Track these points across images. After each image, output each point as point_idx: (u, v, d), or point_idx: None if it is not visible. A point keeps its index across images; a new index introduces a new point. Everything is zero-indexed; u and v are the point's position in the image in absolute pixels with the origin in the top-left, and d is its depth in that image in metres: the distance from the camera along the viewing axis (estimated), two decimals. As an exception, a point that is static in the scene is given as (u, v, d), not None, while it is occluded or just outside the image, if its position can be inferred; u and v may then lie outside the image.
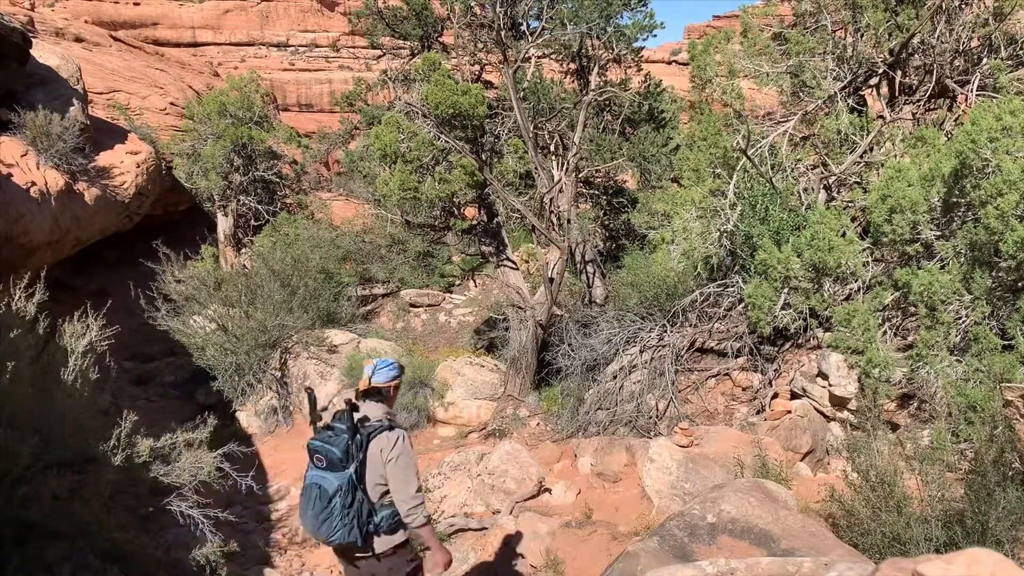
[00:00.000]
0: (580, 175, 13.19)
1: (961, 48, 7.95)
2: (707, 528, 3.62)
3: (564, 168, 11.45)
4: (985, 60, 7.74)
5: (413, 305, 15.91)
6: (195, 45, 50.83)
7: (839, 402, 6.64)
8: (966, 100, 7.99)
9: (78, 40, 21.86)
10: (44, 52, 12.52)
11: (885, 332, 6.49)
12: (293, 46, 55.27)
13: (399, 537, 3.22)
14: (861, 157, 7.94)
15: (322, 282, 12.67)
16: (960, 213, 6.09)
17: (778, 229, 7.53)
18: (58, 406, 4.14)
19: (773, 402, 7.24)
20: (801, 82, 8.69)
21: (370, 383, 3.32)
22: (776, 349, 7.72)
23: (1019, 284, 5.63)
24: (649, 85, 14.83)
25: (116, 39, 25.35)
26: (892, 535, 3.92)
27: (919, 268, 6.02)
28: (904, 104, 8.31)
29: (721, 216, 7.96)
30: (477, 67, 13.20)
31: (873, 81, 8.60)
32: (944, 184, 6.08)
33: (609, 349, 8.80)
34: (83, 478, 3.97)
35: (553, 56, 13.47)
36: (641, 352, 8.37)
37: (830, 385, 6.69)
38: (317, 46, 54.73)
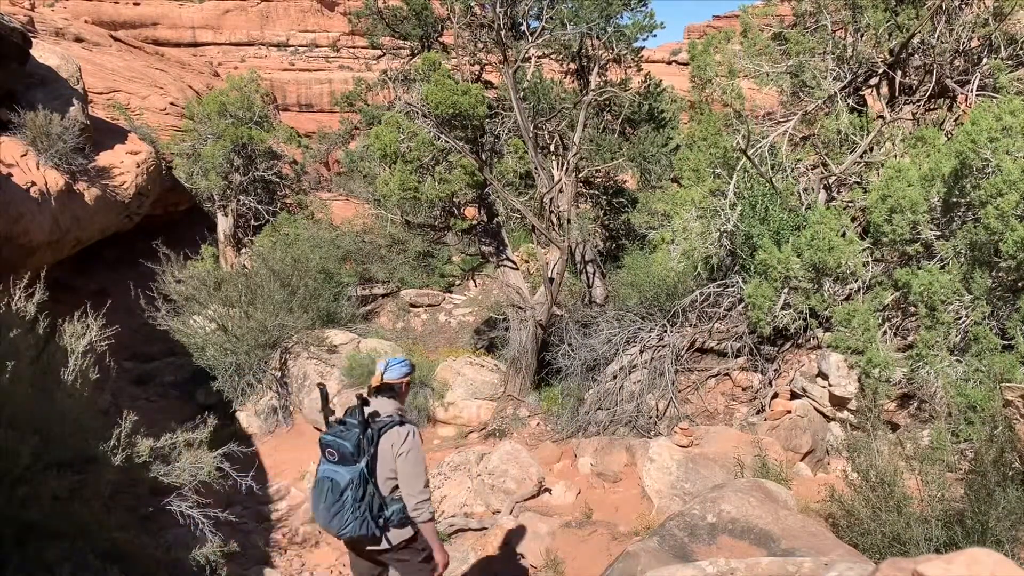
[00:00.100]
0: (580, 175, 13.19)
1: (961, 48, 7.95)
2: (707, 528, 3.62)
3: (564, 168, 11.45)
4: (985, 60, 7.74)
5: (413, 305, 15.91)
6: (195, 45, 50.83)
7: (839, 402, 6.64)
8: (966, 100, 7.99)
9: (78, 40, 21.86)
10: (44, 52, 12.52)
11: (885, 332, 6.49)
12: (293, 46, 55.26)
13: (409, 531, 3.26)
14: (861, 157, 7.94)
15: (322, 282, 12.66)
16: (960, 213, 6.09)
17: (778, 229, 7.53)
18: (58, 406, 4.13)
19: (773, 402, 7.24)
20: (801, 82, 8.69)
21: (382, 379, 3.38)
22: (776, 349, 7.72)
23: (1019, 284, 5.63)
24: (649, 85, 14.83)
25: (116, 39, 25.35)
26: (892, 535, 3.92)
27: (919, 268, 6.02)
28: (904, 104, 8.31)
29: (721, 216, 7.96)
30: (477, 67, 13.19)
31: (873, 81, 8.60)
32: (944, 184, 6.08)
33: (609, 349, 8.80)
34: (83, 478, 3.97)
35: (553, 56, 13.47)
36: (641, 352, 8.37)
37: (830, 385, 6.69)
38: (317, 46, 54.73)
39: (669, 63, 56.89)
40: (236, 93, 16.22)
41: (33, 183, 9.90)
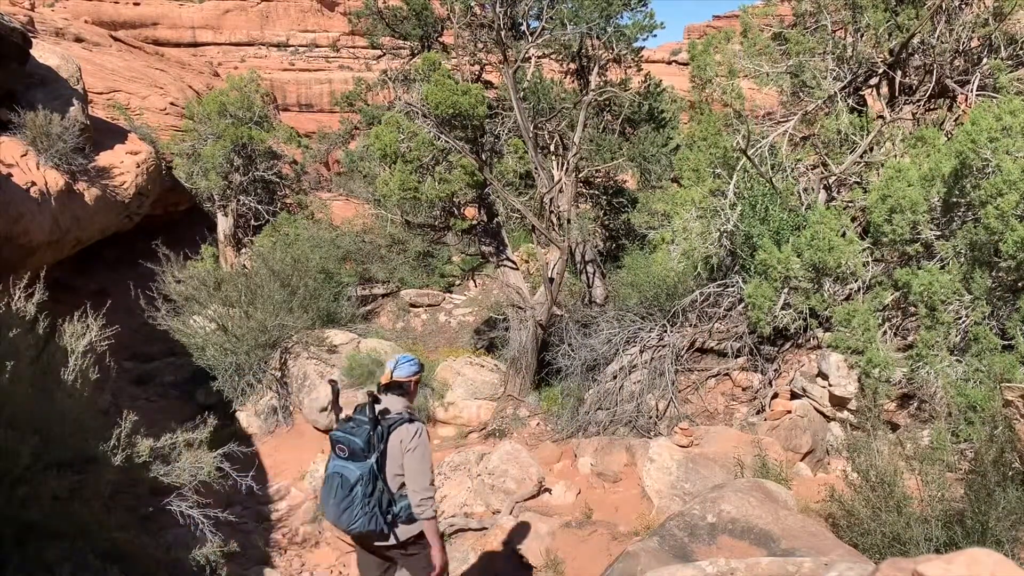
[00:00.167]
0: (580, 175, 13.19)
1: (961, 48, 7.95)
2: (707, 528, 3.62)
3: (564, 168, 11.45)
4: (985, 60, 7.74)
5: (413, 305, 15.91)
6: (195, 45, 50.85)
7: (839, 402, 6.64)
8: (966, 100, 7.99)
9: (78, 40, 21.86)
10: (44, 52, 12.51)
11: (885, 332, 6.49)
12: (293, 46, 55.27)
13: (417, 527, 3.30)
14: (861, 157, 7.94)
15: (322, 282, 12.65)
16: (960, 213, 6.09)
17: (778, 229, 7.53)
18: (58, 406, 4.13)
19: (773, 402, 7.24)
20: (801, 82, 8.69)
21: (392, 377, 3.43)
22: (776, 349, 7.72)
23: (1019, 284, 5.63)
24: (649, 85, 14.83)
25: (116, 39, 25.35)
26: (892, 535, 3.92)
27: (919, 268, 6.02)
28: (904, 104, 8.31)
29: (721, 216, 7.96)
30: (477, 67, 13.20)
31: (873, 81, 8.60)
32: (944, 184, 6.08)
33: (609, 349, 8.80)
34: (83, 478, 3.97)
35: (553, 56, 13.47)
36: (641, 352, 8.37)
37: (830, 385, 6.69)
38: (317, 46, 54.73)
39: (669, 63, 56.89)
40: (236, 93, 16.22)
41: (33, 183, 9.90)
